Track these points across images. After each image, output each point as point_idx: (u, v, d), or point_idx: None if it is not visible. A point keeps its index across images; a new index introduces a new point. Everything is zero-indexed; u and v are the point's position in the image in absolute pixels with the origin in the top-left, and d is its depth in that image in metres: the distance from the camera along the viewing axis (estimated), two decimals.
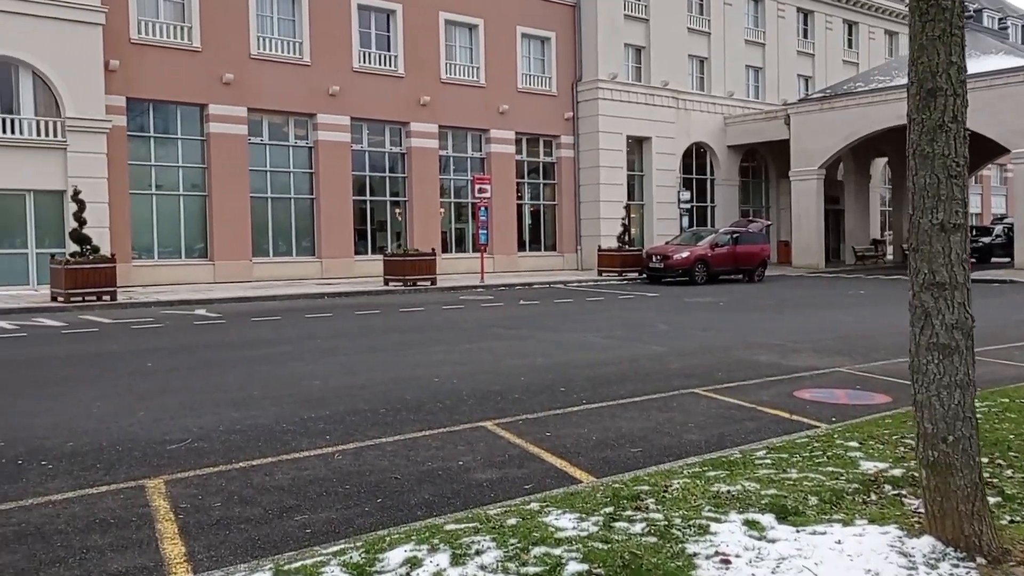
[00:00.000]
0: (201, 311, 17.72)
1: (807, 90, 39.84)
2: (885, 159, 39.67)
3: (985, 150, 39.99)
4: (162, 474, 5.73)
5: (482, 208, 24.61)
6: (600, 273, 28.05)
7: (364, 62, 27.23)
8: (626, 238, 28.23)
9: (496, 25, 30.01)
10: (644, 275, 26.93)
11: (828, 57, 40.81)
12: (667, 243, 28.40)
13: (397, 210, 28.71)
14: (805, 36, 40.02)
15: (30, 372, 10.12)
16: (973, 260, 35.60)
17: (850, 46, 42.27)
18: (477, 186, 24.42)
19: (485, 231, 24.65)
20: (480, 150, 30.36)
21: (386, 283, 23.21)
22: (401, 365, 10.49)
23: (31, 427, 7.19)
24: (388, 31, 27.92)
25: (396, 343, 12.55)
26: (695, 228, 31.04)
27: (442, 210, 29.25)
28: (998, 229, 39.64)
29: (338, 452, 6.30)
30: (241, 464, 5.97)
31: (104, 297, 18.53)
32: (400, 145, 28.46)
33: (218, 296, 19.97)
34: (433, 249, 24.96)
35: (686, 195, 32.43)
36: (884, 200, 42.66)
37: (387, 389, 8.86)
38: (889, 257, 39.22)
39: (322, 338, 13.17)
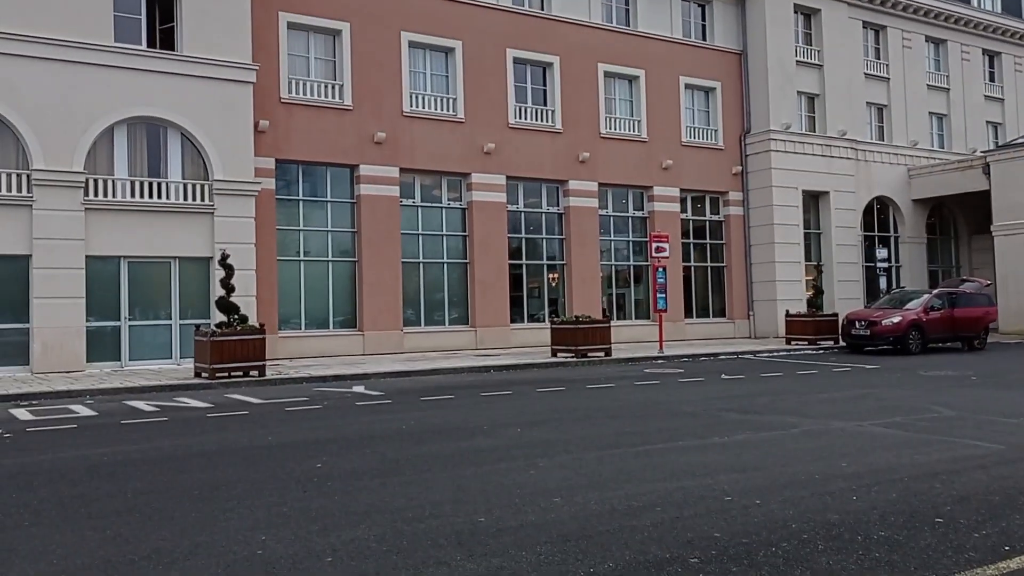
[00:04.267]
0: (359, 388, 15.46)
1: (996, 137, 35.56)
2: None
3: None
4: None
5: (660, 269, 21.75)
6: (788, 341, 24.58)
7: (520, 117, 25.21)
8: (819, 302, 24.77)
9: (657, 76, 27.62)
10: (842, 343, 23.34)
11: (1019, 102, 36.45)
12: (869, 307, 24.74)
13: (552, 275, 26.24)
14: (992, 80, 35.89)
15: (169, 476, 7.80)
16: None
17: None
18: (654, 244, 21.61)
19: (663, 295, 21.75)
20: (642, 209, 27.70)
21: (553, 354, 20.57)
22: (654, 470, 7.66)
23: None
24: (544, 85, 25.91)
25: (620, 434, 9.74)
26: (899, 290, 27.20)
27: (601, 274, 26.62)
28: None
29: None
30: None
31: (252, 372, 16.59)
32: (557, 205, 26.13)
33: (372, 370, 17.77)
34: (608, 316, 22.24)
35: (883, 253, 28.74)
36: None
37: (668, 516, 6.03)
38: None
39: (519, 426, 10.49)
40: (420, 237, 23.96)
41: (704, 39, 29.09)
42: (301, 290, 22.28)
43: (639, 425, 10.51)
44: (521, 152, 24.94)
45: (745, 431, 9.89)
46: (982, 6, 35.49)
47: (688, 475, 7.43)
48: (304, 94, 22.20)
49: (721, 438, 9.43)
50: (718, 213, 29.34)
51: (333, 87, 22.62)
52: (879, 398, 13.07)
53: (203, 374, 16.36)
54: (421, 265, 23.93)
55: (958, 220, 34.43)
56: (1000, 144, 32.95)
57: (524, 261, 25.71)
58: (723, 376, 16.82)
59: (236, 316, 16.88)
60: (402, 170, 23.27)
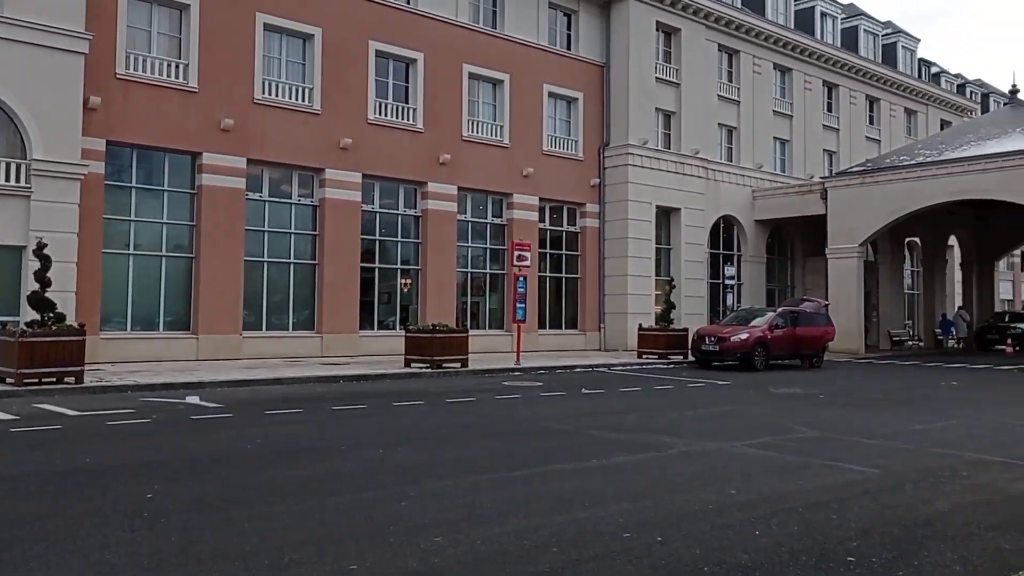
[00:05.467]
0: (193, 398, 13.96)
1: (831, 165, 37.61)
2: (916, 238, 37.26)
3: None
4: None
5: (521, 278, 21.21)
6: (640, 355, 24.70)
7: (380, 113, 24.11)
8: (670, 316, 25.05)
9: (522, 81, 27.23)
10: (691, 358, 23.69)
11: (852, 132, 38.75)
12: (717, 323, 25.26)
13: (405, 280, 25.25)
14: (830, 110, 37.95)
15: None
16: (1017, 348, 33.14)
17: (872, 122, 40.35)
18: (516, 252, 21.05)
19: (523, 305, 21.21)
20: (501, 216, 27.20)
21: (407, 364, 19.60)
22: (539, 500, 6.95)
23: None
24: (407, 81, 24.92)
25: (493, 456, 9.01)
26: (745, 308, 27.97)
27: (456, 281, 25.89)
28: None
29: None
30: None
31: (67, 379, 14.69)
32: (415, 207, 25.17)
33: (208, 378, 16.20)
34: (465, 326, 21.50)
35: (731, 271, 29.50)
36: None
37: (569, 559, 5.34)
38: (920, 343, 36.41)
39: (381, 446, 9.54)
40: (266, 234, 22.38)
41: (569, 48, 29.01)
42: (128, 287, 20.25)
43: (512, 445, 9.81)
44: (379, 150, 23.85)
45: (622, 452, 9.38)
46: (824, 39, 37.46)
47: (577, 505, 6.78)
48: (144, 71, 20.23)
49: (599, 460, 8.87)
50: (575, 224, 29.28)
51: (177, 66, 20.76)
52: (742, 416, 13.00)
53: (8, 379, 14.32)
54: (265, 264, 22.35)
55: (795, 242, 36.07)
56: (836, 172, 34.76)
57: (377, 264, 24.58)
58: (584, 390, 16.44)
59: (51, 314, 14.90)
60: (250, 161, 21.66)
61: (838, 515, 6.68)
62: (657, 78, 30.07)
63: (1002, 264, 53.51)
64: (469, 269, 26.70)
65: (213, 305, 20.90)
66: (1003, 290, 54.01)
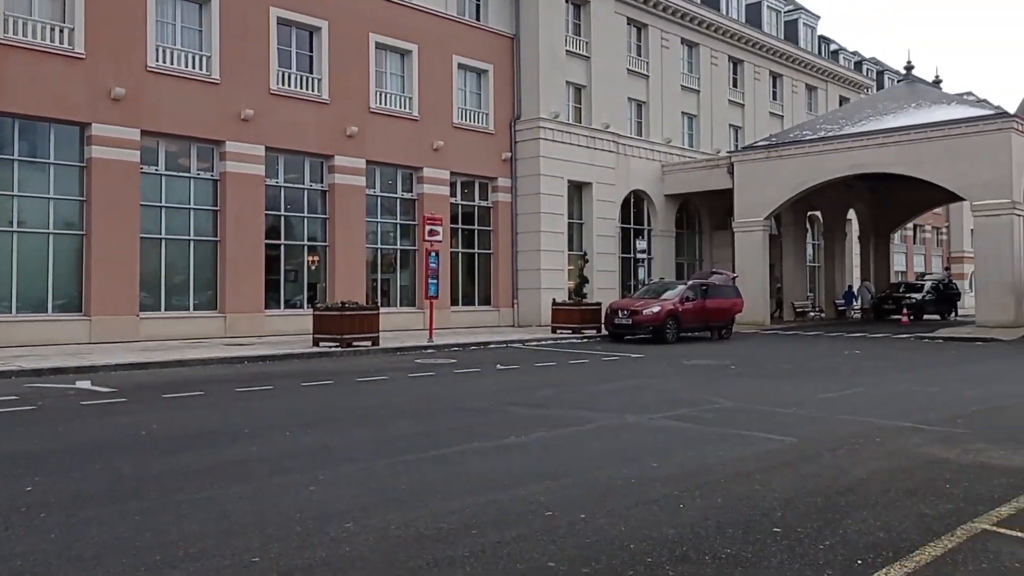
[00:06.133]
0: (84, 383, 13.10)
1: (737, 140, 38.27)
2: (818, 212, 38.31)
3: (924, 202, 39.51)
4: None
5: (432, 253, 20.73)
6: (554, 330, 24.62)
7: (283, 83, 23.18)
8: (583, 291, 25.05)
9: (431, 52, 26.62)
10: (604, 332, 23.76)
11: (756, 108, 39.48)
12: (630, 297, 25.39)
13: (313, 257, 24.49)
14: (735, 85, 38.57)
15: None
16: (911, 317, 34.51)
17: (775, 98, 41.20)
18: (427, 227, 20.55)
19: (435, 281, 20.77)
20: (411, 190, 26.64)
21: (315, 343, 18.95)
22: (458, 480, 6.65)
23: None
24: (311, 51, 24.03)
25: (408, 437, 8.63)
26: (657, 281, 28.19)
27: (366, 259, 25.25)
28: (927, 286, 38.80)
29: None
30: None
31: None
32: (321, 181, 24.38)
33: (101, 362, 15.28)
34: (376, 303, 20.96)
35: (642, 244, 29.68)
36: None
37: (489, 541, 5.05)
38: (823, 314, 37.55)
39: (288, 428, 9.06)
40: (163, 210, 21.30)
41: (478, 19, 28.51)
42: (13, 267, 18.96)
43: (427, 424, 9.46)
44: (283, 122, 22.95)
45: (540, 428, 9.15)
46: (729, 15, 37.93)
47: (497, 485, 6.49)
48: (23, 35, 18.85)
49: (518, 437, 8.62)
50: (486, 199, 28.94)
51: (62, 30, 19.43)
52: (658, 389, 12.96)
53: None
54: (163, 241, 21.30)
55: (702, 216, 36.61)
56: (742, 147, 35.34)
57: (282, 241, 23.74)
58: (499, 366, 16.20)
59: None
60: (144, 133, 20.53)
61: (761, 486, 6.58)
62: (567, 51, 29.89)
63: (896, 237, 55.83)
64: (379, 245, 26.10)
65: (107, 285, 19.80)
66: (897, 262, 56.33)
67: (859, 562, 4.77)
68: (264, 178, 22.72)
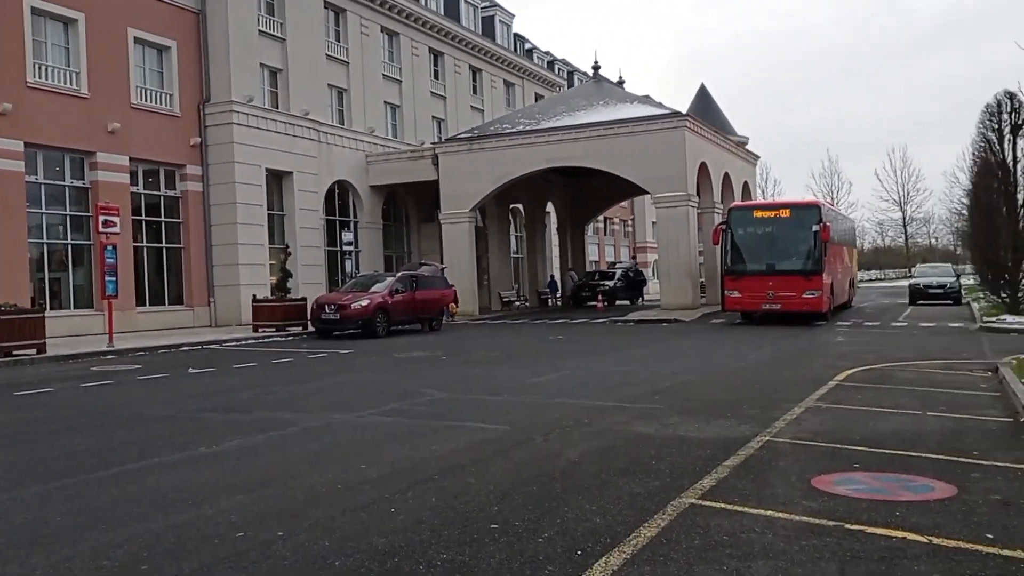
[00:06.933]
0: None
1: (440, 132, 38.60)
2: (519, 205, 39.72)
3: (613, 195, 42.36)
4: None
5: (109, 247, 18.29)
6: (256, 328, 23.04)
7: None
8: (286, 286, 23.70)
9: (101, 22, 23.71)
10: (312, 329, 22.68)
11: (458, 101, 40.11)
12: (337, 291, 24.43)
13: None
14: (437, 77, 38.86)
15: None
16: (606, 303, 36.95)
17: (475, 92, 42.16)
18: (101, 218, 18.07)
19: (113, 278, 18.35)
20: (83, 178, 23.61)
21: None
22: (129, 504, 5.57)
23: None
24: None
25: (70, 457, 7.24)
26: (365, 274, 27.38)
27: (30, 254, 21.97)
28: (619, 274, 41.76)
29: None
30: None
31: None
32: None
33: None
34: (42, 305, 18.15)
35: (348, 236, 28.72)
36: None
37: None
38: (527, 303, 39.05)
39: None
40: None
41: None
42: None
43: (98, 440, 8.06)
44: None
45: (236, 436, 8.15)
46: (428, 6, 38.06)
47: (179, 505, 5.51)
48: None
49: (209, 447, 7.58)
50: (174, 188, 26.50)
51: None
52: (367, 384, 12.34)
53: None
54: None
55: (409, 208, 36.48)
56: (445, 138, 35.62)
57: None
58: (191, 370, 14.65)
59: None
60: None
61: (476, 479, 6.20)
62: (260, 31, 28.22)
63: (590, 228, 59.83)
64: (46, 240, 22.88)
65: None
66: (592, 252, 60.41)
67: (579, 552, 4.50)
68: None
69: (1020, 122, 22.21)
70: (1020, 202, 22.53)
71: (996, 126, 22.75)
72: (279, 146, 28.36)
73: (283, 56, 29.18)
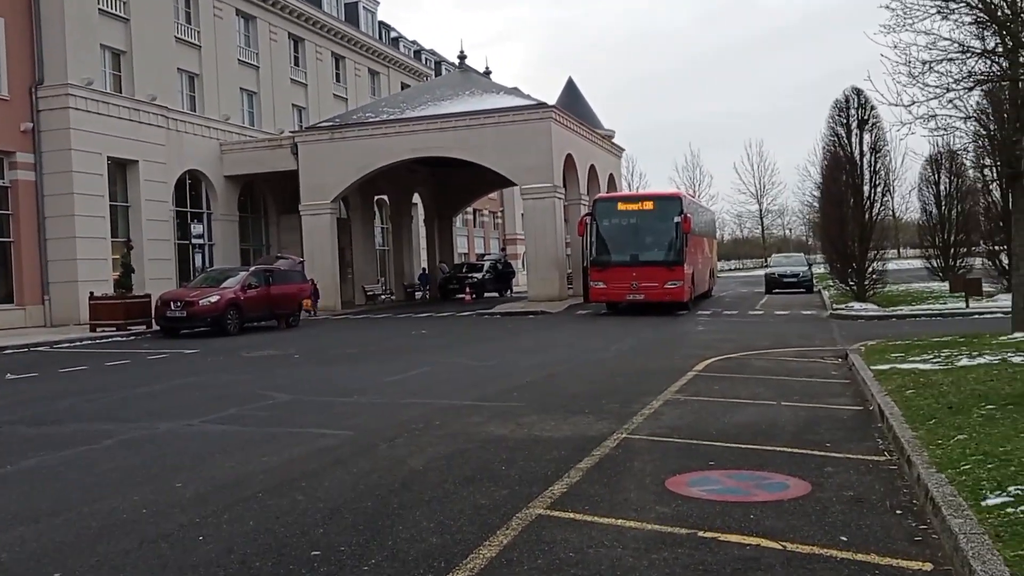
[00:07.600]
0: None
1: (301, 120, 37.11)
2: (384, 196, 38.73)
3: (482, 186, 41.93)
4: None
5: None
6: (94, 328, 21.32)
7: None
8: (128, 282, 22.07)
9: None
10: (157, 327, 21.21)
11: (320, 89, 38.72)
12: (185, 287, 22.95)
13: None
14: (297, 64, 37.33)
15: None
16: (474, 296, 36.56)
17: (338, 80, 40.83)
18: None
19: None
20: None
21: None
22: None
23: None
24: None
25: None
26: (215, 268, 25.86)
27: None
28: (487, 266, 41.39)
29: None
30: None
31: None
32: None
33: None
34: None
35: (198, 229, 27.11)
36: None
37: None
38: (393, 297, 38.12)
39: None
40: None
41: None
42: None
43: None
44: None
45: (39, 452, 7.19)
46: None
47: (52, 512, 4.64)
48: None
49: (2, 467, 6.61)
50: (3, 177, 24.26)
51: None
52: (206, 387, 11.41)
53: None
54: None
55: (268, 199, 34.92)
56: (306, 127, 34.23)
57: None
58: (9, 376, 13.24)
59: None
60: None
61: (305, 495, 5.57)
62: (101, 10, 26.19)
63: (459, 220, 59.26)
64: None
65: None
66: (460, 244, 59.91)
67: None
68: None
69: (867, 117, 23.20)
70: (866, 194, 23.55)
71: (844, 120, 23.69)
72: (122, 133, 26.43)
73: (127, 38, 27.21)
